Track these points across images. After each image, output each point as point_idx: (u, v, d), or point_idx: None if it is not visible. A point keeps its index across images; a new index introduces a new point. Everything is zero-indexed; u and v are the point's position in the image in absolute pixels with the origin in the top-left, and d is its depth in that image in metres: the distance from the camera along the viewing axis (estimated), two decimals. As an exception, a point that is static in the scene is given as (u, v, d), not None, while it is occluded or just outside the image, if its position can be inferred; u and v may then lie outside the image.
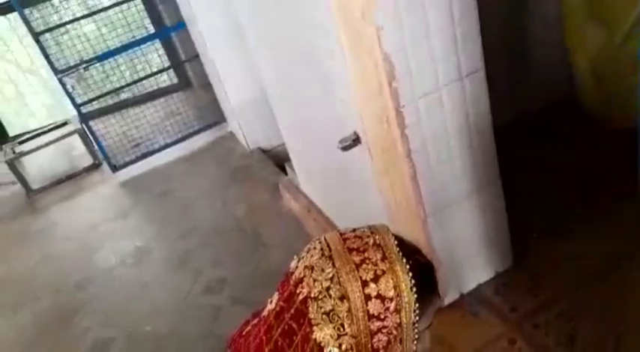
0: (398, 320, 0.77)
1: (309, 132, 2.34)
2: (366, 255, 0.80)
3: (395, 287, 0.77)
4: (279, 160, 3.36)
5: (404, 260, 0.81)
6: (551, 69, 2.80)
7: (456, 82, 1.64)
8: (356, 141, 1.81)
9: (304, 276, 0.80)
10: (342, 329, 0.75)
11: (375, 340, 0.76)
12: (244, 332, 0.95)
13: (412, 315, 0.79)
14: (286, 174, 3.09)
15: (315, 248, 0.84)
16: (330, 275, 0.78)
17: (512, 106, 2.73)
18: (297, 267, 0.84)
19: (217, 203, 3.25)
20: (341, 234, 0.86)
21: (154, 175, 3.77)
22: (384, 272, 0.78)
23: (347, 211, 2.35)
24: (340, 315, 0.75)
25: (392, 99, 1.60)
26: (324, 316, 0.76)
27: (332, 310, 0.75)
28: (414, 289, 0.78)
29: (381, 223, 0.90)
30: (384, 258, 0.80)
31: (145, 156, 3.85)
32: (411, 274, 0.79)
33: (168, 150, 3.89)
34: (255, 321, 0.95)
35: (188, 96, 4.32)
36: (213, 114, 3.91)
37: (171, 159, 3.88)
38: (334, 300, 0.76)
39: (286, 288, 0.84)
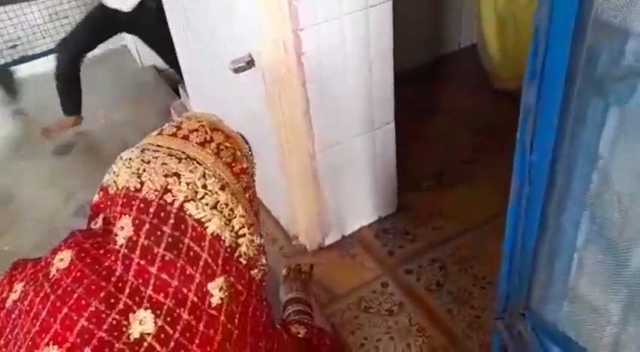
0: (252, 181, 0.89)
1: (204, 51, 2.15)
2: (215, 141, 0.85)
3: (245, 157, 0.88)
4: (173, 82, 3.13)
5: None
6: (464, 14, 2.78)
7: (360, 11, 1.54)
8: (250, 63, 1.67)
9: (169, 185, 0.79)
10: (231, 214, 0.80)
11: (254, 206, 0.87)
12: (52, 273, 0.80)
13: (253, 171, 0.92)
14: (179, 96, 2.89)
15: (158, 157, 0.81)
16: (201, 173, 0.80)
17: (425, 50, 2.71)
18: (142, 183, 0.79)
19: (101, 121, 2.98)
20: (174, 134, 0.85)
21: (33, 83, 3.40)
22: (234, 148, 0.86)
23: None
24: (226, 203, 0.80)
25: (291, 19, 1.47)
26: (212, 210, 0.79)
27: (217, 202, 0.80)
28: (250, 152, 0.92)
29: (196, 112, 1.00)
30: (227, 137, 0.87)
31: (23, 60, 3.45)
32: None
33: (50, 56, 3.49)
34: (68, 255, 0.81)
35: (77, -1, 3.87)
36: (106, 24, 3.54)
37: (53, 68, 3.50)
38: (215, 193, 0.80)
39: (145, 206, 0.78)
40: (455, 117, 2.54)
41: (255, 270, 0.84)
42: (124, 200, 0.79)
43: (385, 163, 1.96)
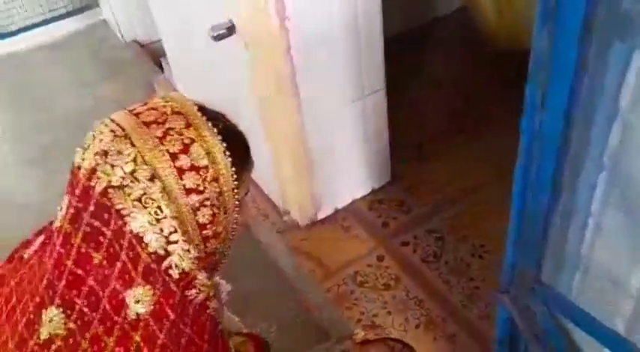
0: (218, 190, 0.70)
1: (184, 20, 2.04)
2: (167, 125, 0.69)
3: (207, 154, 0.69)
4: (157, 56, 3.01)
5: (209, 124, 0.71)
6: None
7: (347, -30, 1.44)
8: (230, 29, 1.57)
9: (97, 165, 0.66)
10: (159, 212, 0.65)
11: (199, 216, 0.69)
12: (25, 257, 0.76)
13: (231, 181, 0.71)
14: (163, 71, 2.78)
15: (102, 132, 0.69)
16: (132, 156, 0.66)
17: (410, 15, 2.61)
18: (84, 159, 0.68)
19: (87, 101, 2.87)
20: (130, 111, 0.72)
21: (10, 61, 3.26)
22: (192, 140, 0.68)
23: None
24: (154, 198, 0.65)
25: (272, -20, 1.37)
26: (135, 203, 0.65)
27: (143, 194, 0.65)
28: (228, 153, 0.70)
29: (176, 92, 0.79)
30: (188, 125, 0.70)
31: (-2, 36, 3.31)
32: (220, 137, 0.71)
33: (27, 33, 3.35)
34: (40, 240, 0.76)
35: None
36: (83, -3, 3.40)
37: (31, 46, 3.35)
38: (143, 183, 0.65)
39: (77, 186, 0.68)
40: (446, 83, 2.45)
41: (193, 290, 0.68)
42: (70, 177, 0.70)
43: (377, 132, 1.88)
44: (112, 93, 2.88)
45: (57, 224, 0.69)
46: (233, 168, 0.71)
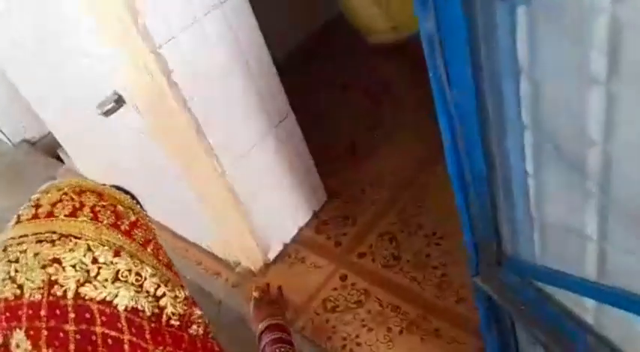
0: (152, 228, 0.76)
1: (70, 106, 1.94)
2: (88, 204, 0.70)
3: (129, 209, 0.74)
4: (52, 149, 2.85)
5: (107, 185, 0.76)
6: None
7: (215, 9, 1.41)
8: (118, 101, 1.50)
9: (52, 275, 0.64)
10: (139, 278, 0.67)
11: (161, 256, 0.73)
12: None
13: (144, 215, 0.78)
14: (63, 162, 2.63)
15: (23, 251, 0.65)
16: (84, 246, 0.66)
17: (294, 32, 2.61)
18: (21, 286, 0.64)
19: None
20: (35, 215, 0.69)
21: None
22: (113, 205, 0.72)
23: (143, 187, 2.03)
24: (129, 269, 0.67)
25: (144, 41, 1.32)
26: (115, 284, 0.65)
27: (117, 272, 0.66)
28: (135, 200, 0.77)
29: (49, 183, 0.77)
30: (99, 195, 0.72)
31: None
32: (119, 191, 0.76)
33: None
34: None
35: None
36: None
37: None
38: (111, 264, 0.66)
39: (34, 312, 0.63)
40: (348, 88, 2.47)
41: (194, 326, 0.71)
42: (8, 313, 0.63)
43: (299, 156, 1.85)
44: (11, 201, 2.69)
45: None
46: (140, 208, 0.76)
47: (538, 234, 0.73)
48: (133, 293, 0.65)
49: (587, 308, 0.77)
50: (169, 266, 0.72)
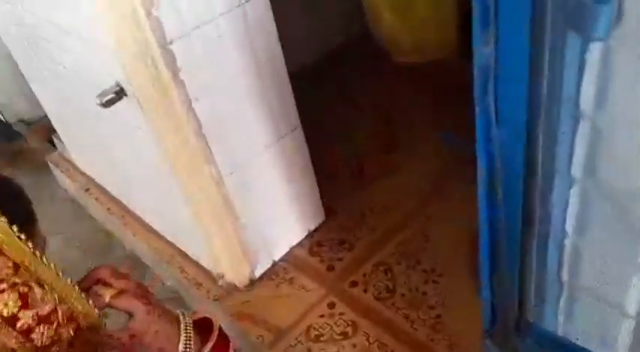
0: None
1: (69, 92, 1.85)
2: None
3: None
4: (47, 132, 2.76)
5: None
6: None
7: (236, 9, 1.34)
8: (120, 93, 1.42)
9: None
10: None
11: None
12: None
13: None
14: (56, 147, 2.54)
15: None
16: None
17: (311, 46, 2.54)
18: None
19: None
20: None
21: None
22: None
23: (134, 184, 1.95)
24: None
25: (155, 34, 1.23)
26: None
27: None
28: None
29: None
30: None
31: None
32: None
33: None
34: None
35: None
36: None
37: None
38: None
39: None
40: (362, 107, 2.39)
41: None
42: None
43: (302, 171, 1.76)
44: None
45: None
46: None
47: (565, 301, 0.65)
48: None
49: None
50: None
